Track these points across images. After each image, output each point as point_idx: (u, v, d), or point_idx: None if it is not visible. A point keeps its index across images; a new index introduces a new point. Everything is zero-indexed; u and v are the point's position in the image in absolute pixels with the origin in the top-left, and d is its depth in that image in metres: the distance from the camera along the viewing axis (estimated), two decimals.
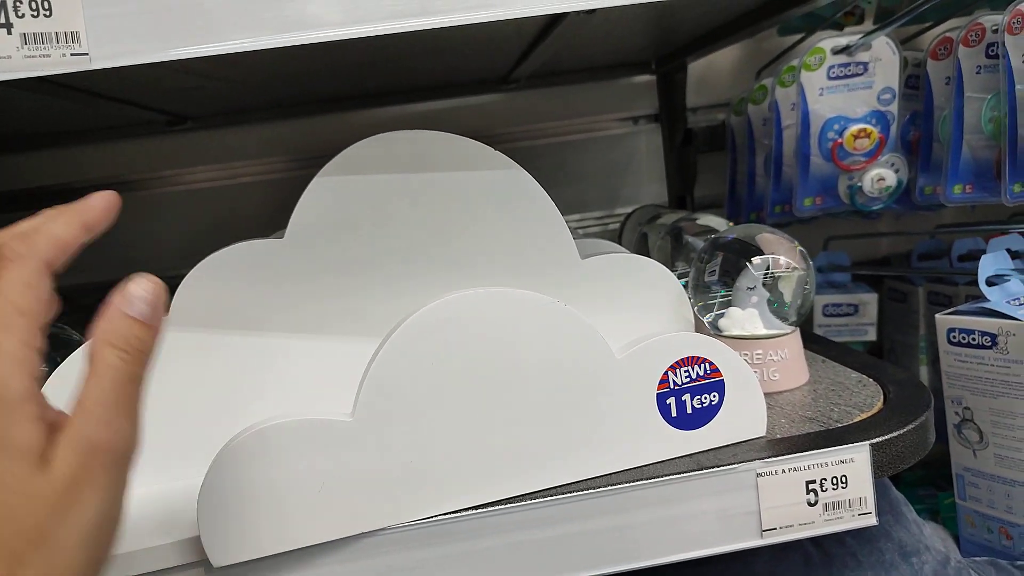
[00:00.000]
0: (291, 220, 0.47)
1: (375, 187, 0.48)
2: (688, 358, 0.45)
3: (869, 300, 0.91)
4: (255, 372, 0.48)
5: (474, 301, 0.42)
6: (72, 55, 0.37)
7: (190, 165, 0.99)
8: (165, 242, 1.00)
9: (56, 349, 0.56)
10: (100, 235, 0.33)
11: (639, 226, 0.87)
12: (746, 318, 0.57)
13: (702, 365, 0.45)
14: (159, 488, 0.47)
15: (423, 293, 0.47)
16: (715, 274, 0.55)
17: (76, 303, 0.76)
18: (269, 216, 1.00)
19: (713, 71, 1.01)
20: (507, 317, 0.42)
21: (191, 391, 0.47)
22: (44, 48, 0.36)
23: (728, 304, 0.58)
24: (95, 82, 0.63)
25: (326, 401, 0.47)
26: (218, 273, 0.46)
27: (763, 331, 0.56)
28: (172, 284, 0.93)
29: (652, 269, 0.52)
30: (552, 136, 1.02)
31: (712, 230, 0.69)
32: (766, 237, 0.56)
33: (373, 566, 0.42)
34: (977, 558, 0.61)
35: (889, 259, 1.02)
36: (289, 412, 0.40)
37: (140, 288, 0.32)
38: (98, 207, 0.33)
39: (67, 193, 0.97)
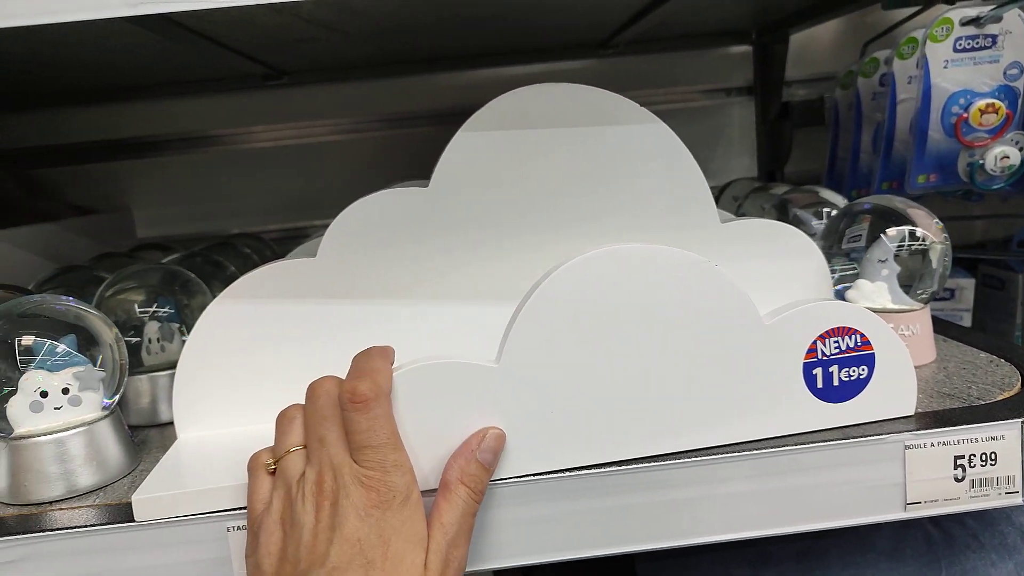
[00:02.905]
0: (435, 172, 0.47)
1: (517, 141, 0.48)
2: (839, 328, 0.44)
3: (967, 285, 0.89)
4: (398, 316, 0.48)
5: (623, 256, 0.41)
6: None
7: (281, 121, 0.99)
8: (253, 197, 1.01)
9: (174, 289, 0.58)
10: None
11: (735, 200, 0.86)
12: (875, 291, 0.55)
13: (853, 336, 0.44)
14: None
15: (564, 247, 0.46)
16: (859, 239, 0.53)
17: (177, 251, 0.77)
18: (357, 174, 1.01)
19: (814, 43, 0.99)
20: (656, 274, 0.41)
21: (335, 332, 0.47)
22: None
23: (852, 277, 0.56)
24: (211, 24, 0.62)
25: (466, 348, 0.47)
26: (365, 218, 0.46)
27: (892, 305, 0.55)
28: (263, 238, 0.94)
29: (795, 238, 0.51)
30: (644, 105, 1.00)
31: (830, 203, 0.67)
32: (905, 209, 0.54)
33: (506, 516, 0.42)
34: None
35: (984, 244, 0.99)
36: (434, 354, 0.40)
37: (492, 440, 0.40)
38: None
39: (153, 146, 0.98)
